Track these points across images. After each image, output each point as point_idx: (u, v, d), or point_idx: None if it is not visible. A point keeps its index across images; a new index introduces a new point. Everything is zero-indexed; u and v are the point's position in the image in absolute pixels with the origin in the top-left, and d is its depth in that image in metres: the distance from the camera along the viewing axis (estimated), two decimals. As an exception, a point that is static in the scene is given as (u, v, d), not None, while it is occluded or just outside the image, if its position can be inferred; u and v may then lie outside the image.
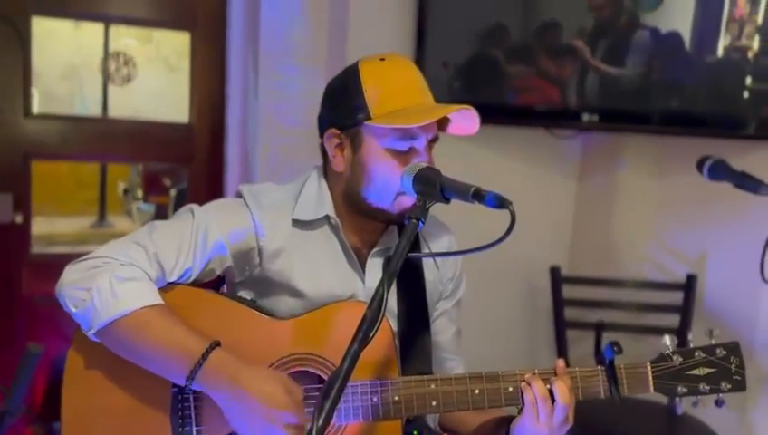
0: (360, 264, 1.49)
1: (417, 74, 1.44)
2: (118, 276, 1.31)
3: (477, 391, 1.36)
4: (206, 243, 1.41)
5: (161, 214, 6.34)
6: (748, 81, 2.51)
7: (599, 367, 1.39)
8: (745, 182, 1.89)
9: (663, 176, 2.83)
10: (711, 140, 2.48)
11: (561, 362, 1.38)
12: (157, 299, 1.33)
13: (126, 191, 6.87)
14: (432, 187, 1.28)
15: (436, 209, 1.32)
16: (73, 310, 1.33)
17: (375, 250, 1.50)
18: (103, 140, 2.89)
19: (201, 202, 1.49)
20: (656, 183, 2.85)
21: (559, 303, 2.67)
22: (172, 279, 1.39)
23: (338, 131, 1.43)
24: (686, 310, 2.62)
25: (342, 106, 1.42)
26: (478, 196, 1.21)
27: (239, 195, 1.50)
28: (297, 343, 1.39)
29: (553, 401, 1.33)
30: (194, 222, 1.41)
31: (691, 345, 1.41)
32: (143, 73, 3.55)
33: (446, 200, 1.28)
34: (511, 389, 1.36)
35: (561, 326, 2.70)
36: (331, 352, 1.38)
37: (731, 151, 2.14)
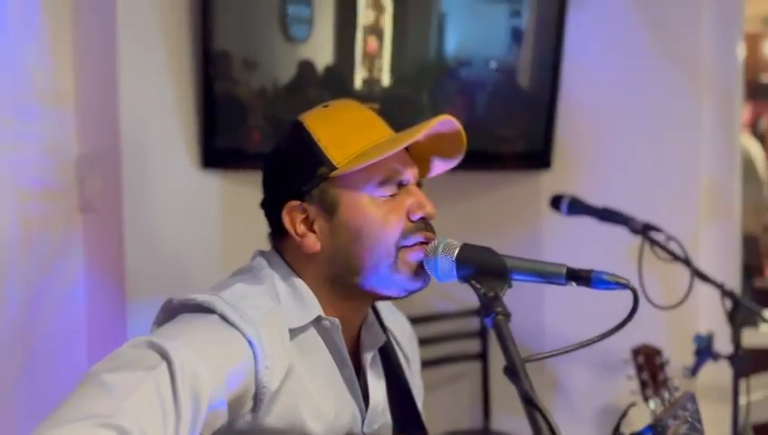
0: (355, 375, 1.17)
1: (369, 111, 1.20)
2: None
3: None
4: (199, 408, 0.93)
5: None
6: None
7: None
8: (610, 216, 1.97)
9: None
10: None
11: None
12: None
13: None
14: (492, 270, 1.00)
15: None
16: None
17: (370, 356, 1.19)
18: None
19: None
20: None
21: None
22: None
23: (298, 202, 1.12)
24: (484, 333, 2.69)
25: (295, 168, 1.14)
26: (576, 277, 0.96)
27: (203, 308, 1.02)
28: None
29: None
30: (172, 373, 0.90)
31: None
32: None
33: (510, 284, 1.01)
34: None
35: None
36: None
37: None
